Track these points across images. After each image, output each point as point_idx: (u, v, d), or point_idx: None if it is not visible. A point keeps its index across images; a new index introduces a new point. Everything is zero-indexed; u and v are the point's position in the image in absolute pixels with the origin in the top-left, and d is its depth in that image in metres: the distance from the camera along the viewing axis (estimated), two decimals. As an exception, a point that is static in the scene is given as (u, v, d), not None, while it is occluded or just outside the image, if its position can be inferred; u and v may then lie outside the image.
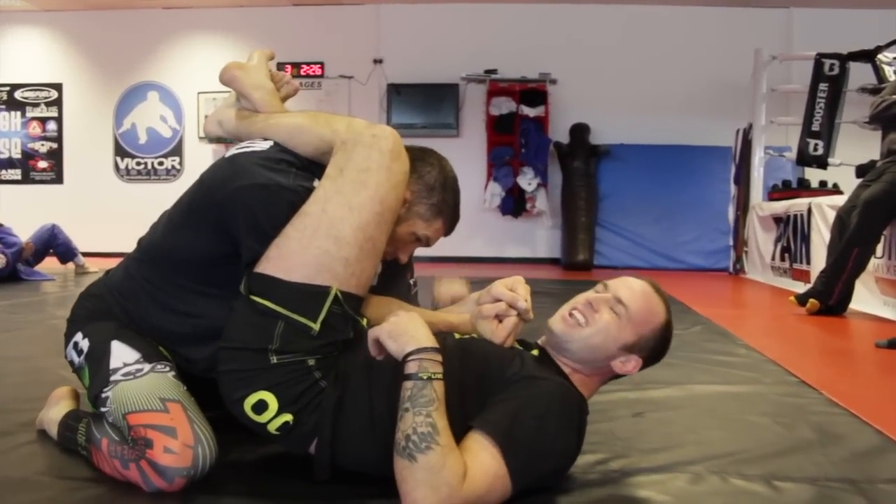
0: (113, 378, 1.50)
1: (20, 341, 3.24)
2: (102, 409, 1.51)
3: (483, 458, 1.29)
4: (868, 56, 6.49)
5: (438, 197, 1.62)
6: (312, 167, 1.52)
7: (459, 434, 1.32)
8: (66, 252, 6.48)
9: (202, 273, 1.57)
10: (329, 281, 1.39)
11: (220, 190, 1.50)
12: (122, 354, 1.54)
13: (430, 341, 1.33)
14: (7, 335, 3.39)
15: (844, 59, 6.63)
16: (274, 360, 1.39)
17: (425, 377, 1.28)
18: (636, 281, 1.53)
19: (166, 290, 1.60)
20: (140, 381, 1.48)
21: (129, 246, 1.75)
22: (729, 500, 1.45)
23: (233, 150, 1.59)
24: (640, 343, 1.49)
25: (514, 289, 1.59)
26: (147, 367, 1.51)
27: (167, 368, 1.53)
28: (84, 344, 1.61)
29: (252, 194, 1.46)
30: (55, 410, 1.75)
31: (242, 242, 1.48)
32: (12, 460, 1.61)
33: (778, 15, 8.63)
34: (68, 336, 1.68)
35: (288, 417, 1.40)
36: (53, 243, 6.39)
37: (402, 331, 1.34)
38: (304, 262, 1.39)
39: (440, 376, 1.30)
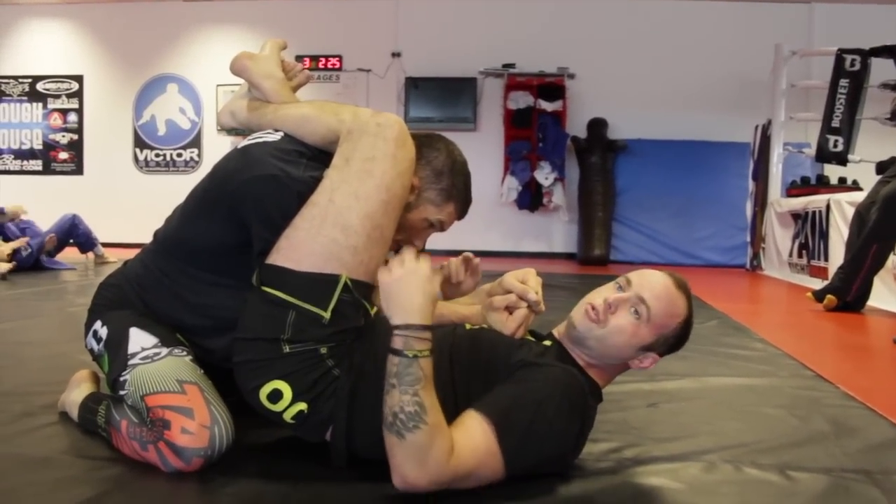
0: (131, 362, 1.53)
1: (41, 328, 3.28)
2: (121, 392, 1.54)
3: (475, 435, 1.31)
4: (890, 51, 6.43)
5: (448, 181, 1.61)
6: (322, 157, 1.54)
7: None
8: (86, 242, 6.56)
9: (215, 263, 1.60)
10: (338, 269, 1.41)
11: (233, 181, 1.52)
12: (139, 340, 1.56)
13: (419, 316, 1.32)
14: (29, 321, 3.44)
15: (866, 54, 6.57)
16: (286, 349, 1.41)
17: (411, 355, 1.29)
18: (660, 278, 1.49)
19: (181, 281, 1.62)
20: (157, 364, 1.50)
21: (148, 237, 1.77)
22: (743, 489, 1.45)
23: (245, 142, 1.61)
24: (659, 342, 1.48)
25: (525, 280, 1.59)
26: (164, 350, 1.53)
27: (184, 353, 1.56)
28: (103, 332, 1.64)
29: (263, 185, 1.48)
30: (76, 393, 1.78)
31: (254, 232, 1.50)
32: (35, 440, 1.64)
33: (798, 10, 8.57)
34: (88, 325, 1.71)
35: (302, 406, 1.42)
36: (74, 233, 6.47)
37: (396, 296, 1.34)
38: (313, 252, 1.41)
39: (426, 354, 1.30)
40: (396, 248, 1.61)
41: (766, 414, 2.00)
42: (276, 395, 1.42)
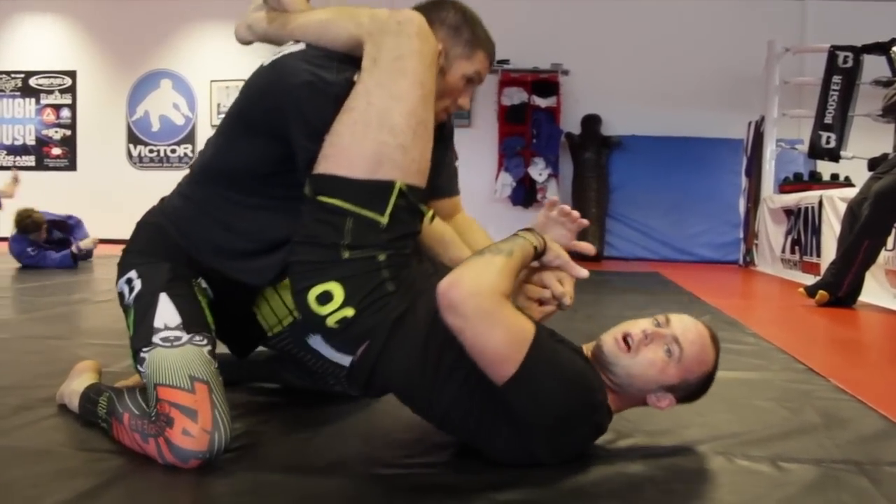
0: (154, 339, 1.52)
1: (40, 322, 3.29)
2: (139, 368, 1.55)
3: (524, 320, 1.40)
4: (882, 48, 6.46)
5: (468, 32, 1.64)
6: (351, 58, 1.53)
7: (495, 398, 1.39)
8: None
9: (258, 185, 1.61)
10: (391, 172, 1.43)
11: (268, 95, 1.53)
12: (166, 313, 1.56)
13: (542, 236, 1.54)
14: (27, 316, 3.45)
15: (858, 51, 6.60)
16: (346, 255, 1.43)
17: (522, 234, 1.50)
18: (697, 325, 1.52)
19: (224, 207, 1.63)
20: (175, 353, 1.50)
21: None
22: (734, 479, 1.47)
23: (271, 57, 1.60)
24: (681, 386, 1.50)
25: (563, 281, 1.60)
26: (185, 337, 1.53)
27: (204, 341, 1.55)
28: (137, 284, 1.63)
29: (299, 93, 1.49)
30: (77, 382, 1.79)
31: (295, 143, 1.51)
32: (33, 433, 1.65)
33: (792, 7, 8.59)
34: (123, 267, 1.69)
35: (349, 312, 1.43)
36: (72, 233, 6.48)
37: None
38: (364, 156, 1.43)
39: (532, 245, 1.49)
40: (446, 115, 1.66)
41: (757, 406, 2.02)
42: (325, 298, 1.43)
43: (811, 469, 1.51)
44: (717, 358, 1.53)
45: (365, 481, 1.42)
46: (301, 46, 1.58)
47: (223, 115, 1.70)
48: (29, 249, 5.95)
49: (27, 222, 5.91)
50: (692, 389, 1.52)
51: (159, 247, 1.68)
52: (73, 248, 6.02)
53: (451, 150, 1.89)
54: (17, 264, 5.93)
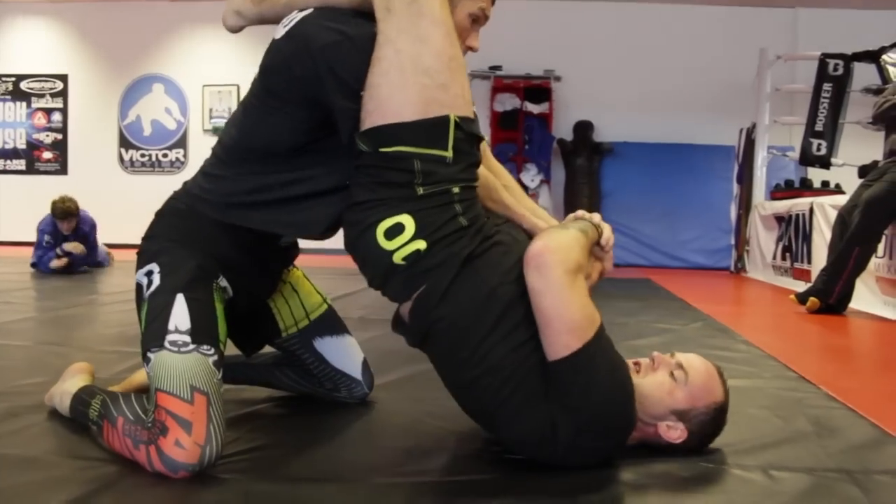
0: (164, 340, 1.49)
1: (29, 328, 3.27)
2: (146, 366, 1.53)
3: (594, 308, 1.44)
4: (872, 57, 6.51)
5: None
6: (363, 13, 1.51)
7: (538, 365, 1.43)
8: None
9: (292, 159, 1.58)
10: (440, 110, 1.43)
11: (297, 62, 1.49)
12: (179, 316, 1.52)
13: (599, 224, 1.59)
14: (18, 320, 3.42)
15: (849, 59, 6.64)
16: (420, 190, 1.43)
17: (586, 220, 1.58)
18: (702, 360, 1.58)
19: (262, 181, 1.60)
20: (180, 359, 1.48)
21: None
22: (726, 489, 1.47)
23: (281, 29, 1.55)
24: (692, 414, 1.52)
25: (590, 274, 1.60)
26: (192, 345, 1.50)
27: (211, 350, 1.52)
28: (156, 279, 1.58)
29: (330, 54, 1.46)
30: (70, 383, 1.77)
31: (336, 105, 1.48)
32: (20, 441, 1.63)
33: (783, 14, 8.65)
34: (144, 255, 1.64)
35: (421, 245, 1.43)
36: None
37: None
38: (409, 101, 1.42)
39: (595, 230, 1.56)
40: None
41: (749, 414, 2.02)
42: (396, 230, 1.43)
43: (803, 478, 1.51)
44: (726, 392, 1.57)
45: (359, 490, 1.41)
46: (308, 11, 1.53)
47: (245, 97, 1.65)
48: (46, 237, 5.99)
49: (57, 207, 6.00)
50: (703, 419, 1.54)
51: (185, 233, 1.64)
52: (58, 249, 5.99)
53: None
54: (15, 268, 5.94)
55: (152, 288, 1.58)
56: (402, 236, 1.43)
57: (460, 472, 1.49)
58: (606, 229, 1.61)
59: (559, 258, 1.40)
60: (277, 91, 1.55)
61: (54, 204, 6.03)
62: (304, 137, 1.57)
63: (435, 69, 1.43)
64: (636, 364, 1.55)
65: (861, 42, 6.69)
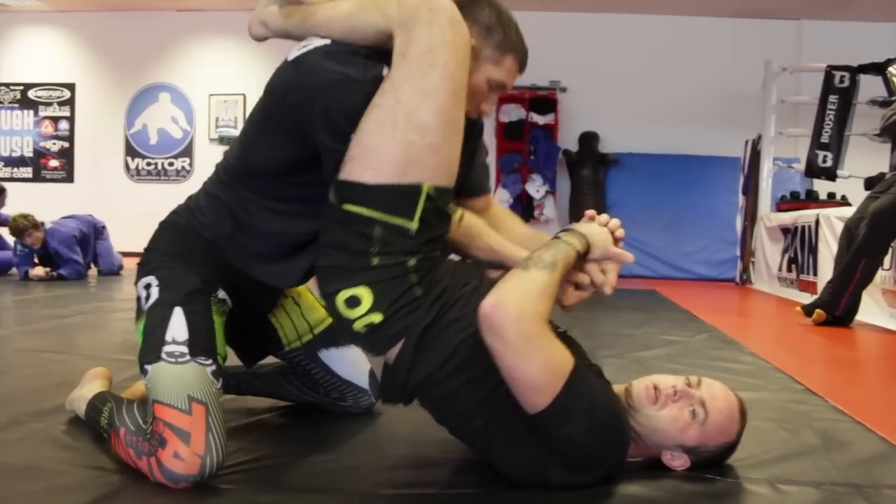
0: (161, 352, 1.49)
1: (32, 335, 3.27)
2: (144, 379, 1.52)
3: (563, 351, 1.37)
4: (878, 69, 6.50)
5: (500, 34, 1.56)
6: (380, 53, 1.47)
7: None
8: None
9: (280, 186, 1.57)
10: (419, 174, 1.39)
11: (293, 94, 1.47)
12: (176, 328, 1.52)
13: (586, 232, 1.52)
14: (20, 329, 3.42)
15: (855, 71, 6.63)
16: (375, 261, 1.40)
17: (563, 240, 1.47)
18: (728, 396, 1.52)
19: (248, 209, 1.60)
20: (177, 370, 1.47)
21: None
22: (733, 501, 1.46)
23: (294, 52, 1.54)
24: (698, 450, 1.50)
25: (606, 271, 1.58)
26: (188, 356, 1.49)
27: (209, 360, 1.51)
28: (154, 292, 1.58)
29: (325, 94, 1.43)
30: (87, 389, 1.79)
31: (322, 145, 1.46)
32: (24, 449, 1.63)
33: (788, 26, 8.65)
34: (144, 268, 1.64)
35: (377, 318, 1.42)
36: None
37: (579, 224, 1.55)
38: (392, 158, 1.38)
39: (576, 250, 1.46)
40: (466, 117, 1.53)
41: (755, 427, 1.99)
42: (353, 302, 1.42)
43: (810, 491, 1.50)
44: (741, 431, 1.54)
45: (362, 501, 1.40)
46: (325, 41, 1.52)
47: (248, 116, 1.66)
48: (20, 246, 6.11)
49: (10, 224, 6.10)
50: (708, 456, 1.52)
51: (184, 248, 1.64)
52: (30, 275, 6.10)
53: (482, 148, 1.84)
54: (10, 276, 5.98)
55: (150, 301, 1.58)
56: (359, 308, 1.42)
57: (464, 485, 1.48)
58: (598, 244, 1.55)
59: (512, 314, 1.29)
60: (273, 116, 1.54)
61: (9, 223, 6.17)
62: (292, 167, 1.55)
63: (429, 127, 1.38)
64: (656, 390, 1.48)
65: (867, 54, 6.68)
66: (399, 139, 1.37)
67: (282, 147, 1.53)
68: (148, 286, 1.60)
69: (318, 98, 1.44)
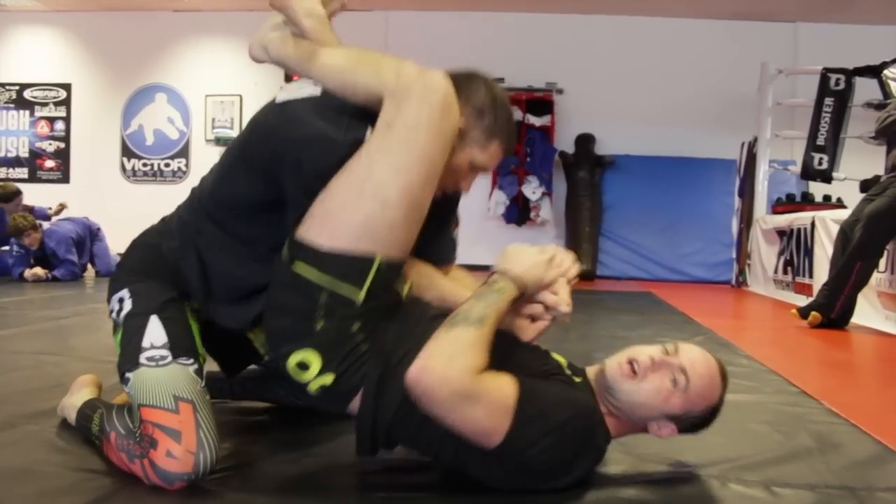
0: (139, 359, 1.49)
1: (28, 337, 3.26)
2: (125, 388, 1.52)
3: (505, 385, 1.35)
4: (874, 71, 6.52)
5: (490, 119, 1.54)
6: (367, 113, 1.46)
7: None
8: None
9: (248, 227, 1.57)
10: (373, 246, 1.38)
11: (272, 139, 1.48)
12: (153, 334, 1.53)
13: (520, 272, 1.47)
14: (16, 330, 3.41)
15: (850, 74, 6.65)
16: (320, 325, 1.40)
17: (495, 287, 1.43)
18: (707, 359, 1.49)
19: (210, 243, 1.60)
20: (160, 372, 1.48)
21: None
22: (728, 505, 1.46)
23: (283, 95, 1.55)
24: (684, 417, 1.48)
25: (557, 292, 1.55)
26: (170, 357, 1.50)
27: (191, 360, 1.52)
28: (127, 304, 1.59)
29: (303, 148, 1.44)
30: (76, 397, 1.78)
31: (289, 195, 1.47)
32: (18, 451, 1.63)
33: (784, 29, 8.66)
34: (116, 283, 1.65)
35: (328, 379, 1.41)
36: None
37: (513, 256, 1.50)
38: (349, 225, 1.38)
39: (507, 295, 1.42)
40: (442, 192, 1.55)
41: (750, 430, 2.01)
42: (303, 366, 1.42)
43: (805, 494, 1.50)
44: (724, 392, 1.51)
45: (358, 502, 1.40)
46: (316, 91, 1.53)
47: (228, 146, 1.67)
48: (15, 247, 6.11)
49: (9, 224, 6.13)
50: (695, 422, 1.50)
51: (154, 268, 1.65)
52: (25, 275, 6.11)
53: (454, 220, 1.83)
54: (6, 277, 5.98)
55: (124, 312, 1.59)
56: (310, 371, 1.42)
57: (456, 487, 1.47)
58: (532, 283, 1.51)
59: (437, 380, 1.27)
60: (250, 154, 1.54)
61: (8, 223, 6.19)
62: (259, 208, 1.56)
63: (393, 204, 1.37)
64: (633, 363, 1.45)
65: (862, 57, 6.70)
66: (361, 209, 1.38)
67: (253, 185, 1.54)
68: (121, 300, 1.62)
69: (294, 151, 1.45)
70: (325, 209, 1.41)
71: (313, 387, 1.43)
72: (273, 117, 1.52)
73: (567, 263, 1.58)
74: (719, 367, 1.51)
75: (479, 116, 1.53)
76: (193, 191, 1.70)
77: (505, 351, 1.45)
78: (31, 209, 7.01)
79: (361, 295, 1.39)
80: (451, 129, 1.42)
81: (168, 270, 1.64)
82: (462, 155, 1.53)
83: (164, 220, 1.73)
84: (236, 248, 1.59)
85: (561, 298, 1.54)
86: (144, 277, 1.63)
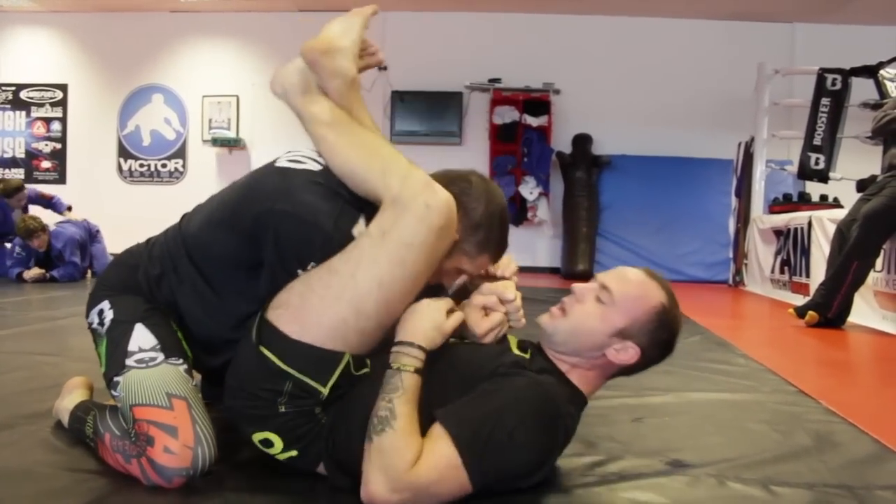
0: (127, 362, 1.50)
1: (25, 338, 3.25)
2: (113, 393, 1.52)
3: (436, 448, 1.29)
4: (870, 71, 6.53)
5: (483, 234, 1.55)
6: (363, 203, 1.48)
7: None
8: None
9: (223, 281, 1.57)
10: (342, 346, 1.39)
11: (263, 204, 1.48)
12: (140, 338, 1.53)
13: (418, 337, 1.40)
14: (14, 331, 3.41)
15: (847, 74, 6.66)
16: (282, 409, 1.41)
17: (395, 367, 1.36)
18: (628, 269, 1.49)
19: (185, 284, 1.60)
20: (150, 372, 1.48)
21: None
22: (726, 503, 1.46)
23: (285, 160, 1.56)
24: (635, 328, 1.43)
25: (505, 289, 1.59)
26: (160, 356, 1.51)
27: (180, 360, 1.54)
28: (108, 315, 1.60)
29: (289, 225, 1.44)
30: (68, 400, 1.78)
31: (267, 263, 1.48)
32: (15, 452, 1.62)
33: (781, 29, 8.67)
34: (95, 298, 1.65)
35: (293, 453, 1.44)
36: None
37: (408, 319, 1.42)
38: (321, 324, 1.38)
39: (410, 369, 1.36)
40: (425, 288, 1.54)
41: (748, 429, 2.01)
42: (267, 443, 1.44)
43: (803, 493, 1.50)
44: (667, 294, 1.46)
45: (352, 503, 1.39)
46: (318, 167, 1.54)
47: (222, 191, 1.65)
48: (17, 249, 6.11)
49: (19, 227, 6.09)
50: (649, 329, 1.43)
51: (131, 289, 1.65)
52: (25, 276, 6.11)
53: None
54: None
55: (106, 323, 1.60)
56: (275, 447, 1.44)
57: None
58: (509, 293, 1.56)
59: (385, 496, 1.25)
60: (241, 209, 1.53)
61: (17, 224, 6.16)
62: (236, 265, 1.55)
63: (367, 314, 1.38)
64: (560, 308, 1.47)
65: (859, 57, 6.71)
66: (337, 312, 1.38)
67: (236, 242, 1.54)
68: (101, 312, 1.62)
69: (281, 226, 1.46)
70: (302, 301, 1.40)
71: (281, 458, 1.46)
72: (271, 181, 1.53)
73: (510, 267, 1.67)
74: (646, 271, 1.49)
75: (473, 231, 1.55)
76: (182, 219, 1.69)
77: (449, 370, 1.43)
78: (50, 199, 6.99)
79: (326, 390, 1.40)
80: (444, 248, 1.44)
81: (143, 291, 1.64)
82: (450, 262, 1.55)
83: (148, 241, 1.72)
84: (207, 296, 1.59)
85: (508, 292, 1.57)
86: (122, 293, 1.64)
